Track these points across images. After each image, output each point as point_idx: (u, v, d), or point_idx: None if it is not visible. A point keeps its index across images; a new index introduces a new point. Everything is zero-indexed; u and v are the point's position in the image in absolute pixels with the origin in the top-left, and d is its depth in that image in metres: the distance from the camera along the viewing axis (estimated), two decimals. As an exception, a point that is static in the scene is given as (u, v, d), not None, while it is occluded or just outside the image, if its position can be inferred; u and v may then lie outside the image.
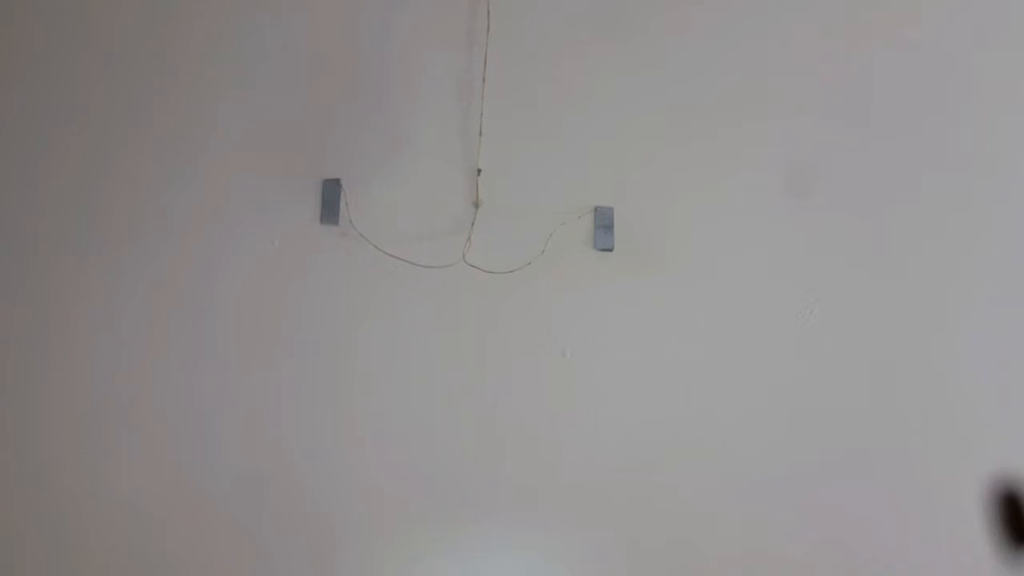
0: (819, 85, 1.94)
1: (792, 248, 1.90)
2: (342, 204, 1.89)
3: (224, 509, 1.83)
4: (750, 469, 1.83)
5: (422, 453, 1.84)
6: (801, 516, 1.82)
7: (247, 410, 1.85)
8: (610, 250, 1.88)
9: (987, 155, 1.91)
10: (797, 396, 1.85)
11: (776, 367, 1.86)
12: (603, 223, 1.89)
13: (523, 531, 1.82)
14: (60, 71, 1.95)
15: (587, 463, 1.84)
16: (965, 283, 1.88)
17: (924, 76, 1.93)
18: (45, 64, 1.96)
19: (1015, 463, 1.80)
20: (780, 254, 1.89)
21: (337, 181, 1.90)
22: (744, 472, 1.83)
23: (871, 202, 1.90)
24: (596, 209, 1.89)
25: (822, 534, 1.82)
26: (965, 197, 1.90)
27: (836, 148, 1.92)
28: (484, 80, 1.91)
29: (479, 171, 1.89)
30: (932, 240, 1.89)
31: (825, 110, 1.93)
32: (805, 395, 1.85)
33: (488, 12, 1.93)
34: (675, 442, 1.84)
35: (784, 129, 1.93)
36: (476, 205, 1.89)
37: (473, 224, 1.88)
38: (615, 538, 1.82)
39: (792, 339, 1.87)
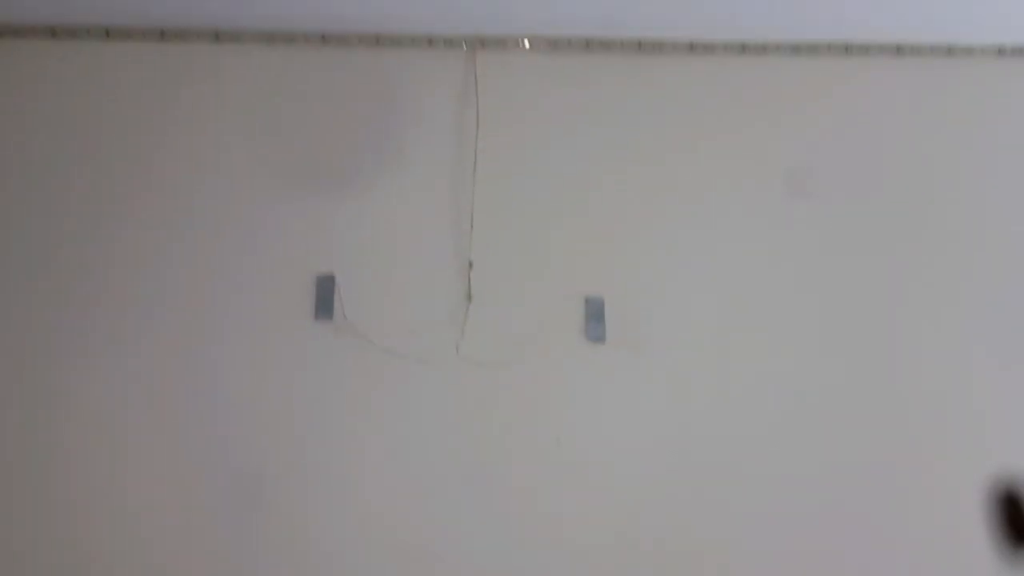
0: (813, 166, 1.99)
1: (784, 335, 1.92)
2: (336, 299, 1.92)
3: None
4: (745, 552, 1.85)
5: (421, 541, 1.85)
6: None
7: (251, 507, 1.86)
8: (602, 341, 1.90)
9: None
10: (792, 463, 1.89)
11: (770, 453, 1.88)
12: (594, 314, 1.91)
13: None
14: (53, 152, 1.97)
15: (585, 545, 1.85)
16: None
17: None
18: (39, 136, 1.98)
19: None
20: (773, 343, 1.92)
21: (331, 277, 1.92)
22: (739, 552, 1.85)
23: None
24: (587, 300, 1.91)
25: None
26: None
27: (828, 223, 1.97)
28: (475, 172, 1.93)
29: (471, 264, 1.92)
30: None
31: (812, 191, 1.97)
32: (800, 456, 1.89)
33: (477, 105, 1.95)
34: (671, 524, 1.86)
35: (776, 214, 1.96)
36: (468, 298, 1.91)
37: (466, 317, 1.91)
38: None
39: (787, 422, 1.90)
